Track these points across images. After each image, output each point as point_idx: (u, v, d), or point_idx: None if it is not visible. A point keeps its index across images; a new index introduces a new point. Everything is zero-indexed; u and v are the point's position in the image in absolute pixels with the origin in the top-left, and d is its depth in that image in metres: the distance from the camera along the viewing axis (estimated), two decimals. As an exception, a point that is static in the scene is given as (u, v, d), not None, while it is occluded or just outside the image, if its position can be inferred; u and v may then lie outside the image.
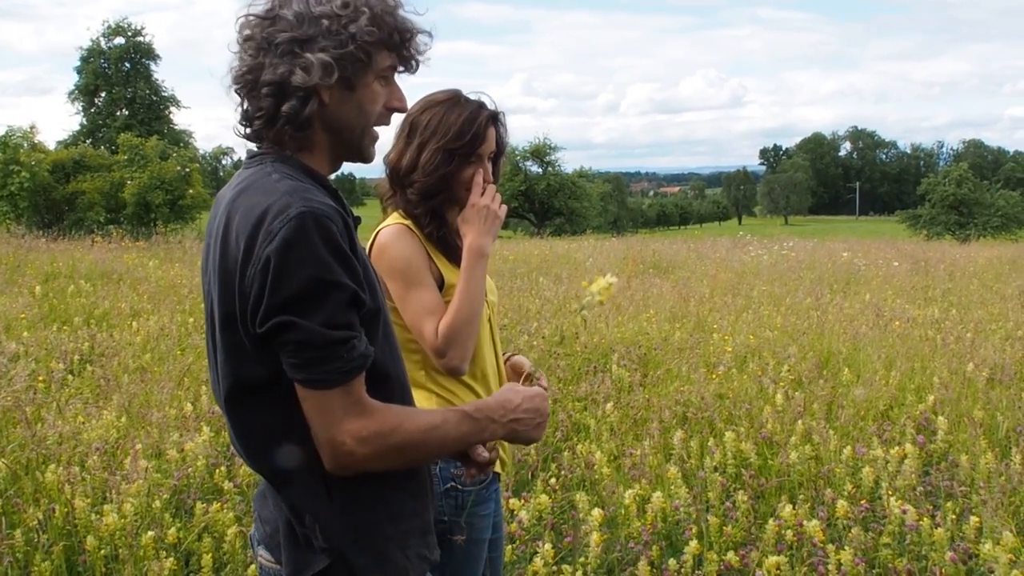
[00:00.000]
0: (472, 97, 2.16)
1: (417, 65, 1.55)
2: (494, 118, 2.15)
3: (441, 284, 2.11)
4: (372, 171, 2.08)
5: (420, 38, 1.52)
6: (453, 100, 2.13)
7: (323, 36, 1.43)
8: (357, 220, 1.61)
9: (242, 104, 1.49)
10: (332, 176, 1.59)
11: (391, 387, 1.51)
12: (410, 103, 1.67)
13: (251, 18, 1.47)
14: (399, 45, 1.50)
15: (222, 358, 1.44)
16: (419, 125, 2.11)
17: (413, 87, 1.99)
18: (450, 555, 2.06)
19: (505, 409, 1.57)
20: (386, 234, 2.11)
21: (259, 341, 1.38)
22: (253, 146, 1.55)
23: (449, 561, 2.05)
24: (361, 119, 1.52)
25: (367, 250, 2.11)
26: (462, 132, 2.09)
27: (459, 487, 2.08)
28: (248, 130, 1.51)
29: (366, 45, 1.45)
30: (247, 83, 1.46)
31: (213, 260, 1.45)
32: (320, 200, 1.39)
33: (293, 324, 1.33)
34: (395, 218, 2.15)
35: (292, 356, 1.35)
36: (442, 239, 2.15)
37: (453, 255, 2.15)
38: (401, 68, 1.54)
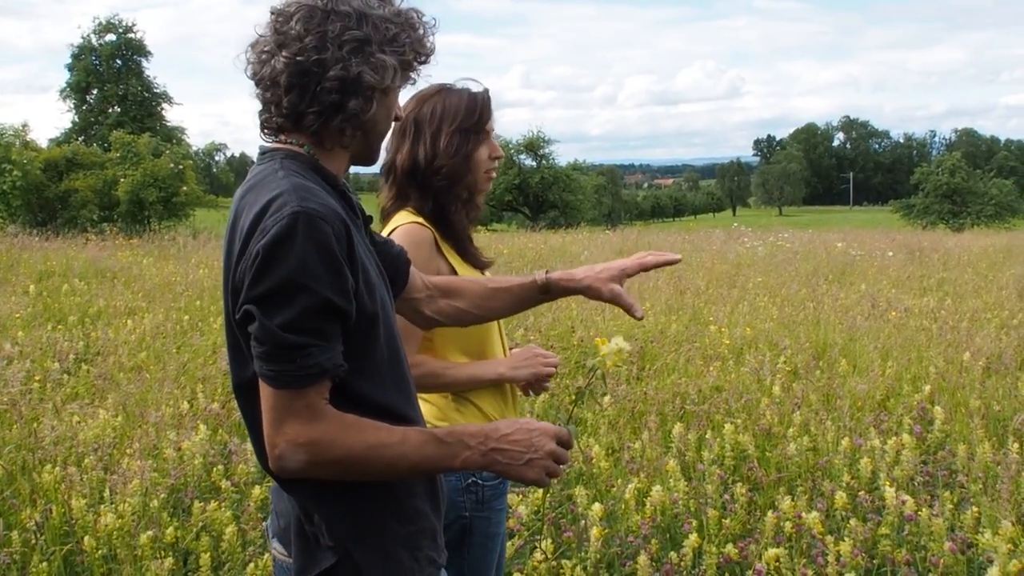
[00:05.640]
0: (459, 85, 2.20)
1: (416, 81, 1.60)
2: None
3: None
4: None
5: (431, 59, 1.58)
6: (445, 89, 2.17)
7: (386, 40, 1.47)
8: (368, 219, 1.61)
9: (287, 96, 1.46)
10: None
11: (375, 399, 1.49)
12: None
13: (303, 8, 1.44)
14: (422, 63, 1.56)
15: (230, 354, 1.48)
16: (423, 119, 2.13)
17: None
18: (468, 550, 2.09)
19: (486, 436, 1.49)
20: (400, 232, 2.09)
21: (245, 334, 1.40)
22: (256, 141, 1.56)
23: (467, 555, 2.09)
24: (387, 124, 1.58)
25: None
26: (471, 110, 2.14)
27: (480, 482, 2.09)
28: (283, 121, 1.50)
29: (413, 56, 1.51)
30: (306, 75, 1.43)
31: (223, 256, 1.48)
32: (320, 201, 1.39)
33: (252, 317, 1.35)
34: (405, 216, 2.14)
35: (253, 347, 1.38)
36: (459, 231, 2.16)
37: (465, 251, 2.17)
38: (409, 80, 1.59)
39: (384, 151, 2.01)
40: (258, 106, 1.53)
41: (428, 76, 1.61)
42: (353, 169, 1.64)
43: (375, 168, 1.92)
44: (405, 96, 2.14)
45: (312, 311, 1.34)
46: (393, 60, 1.47)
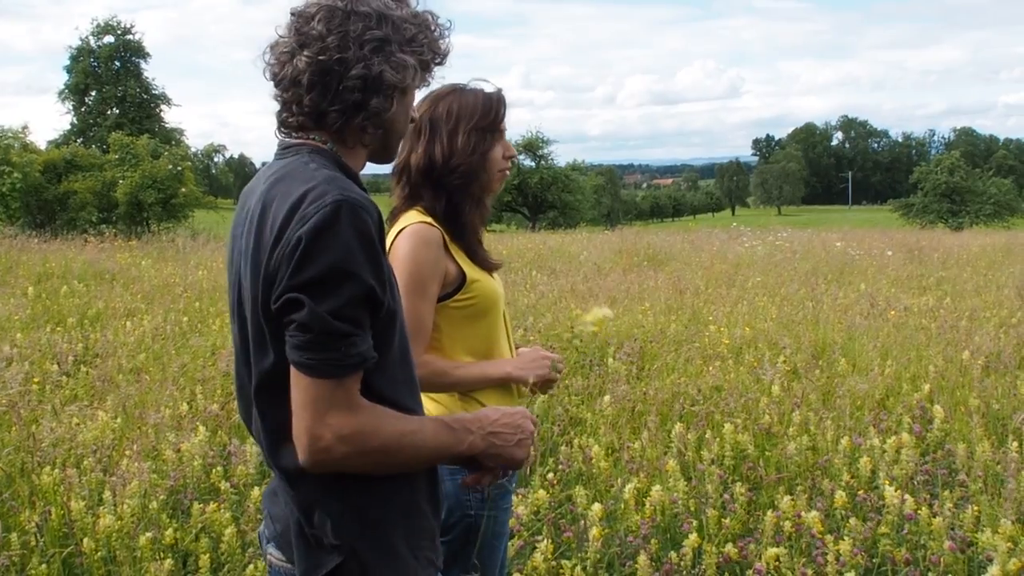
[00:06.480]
0: (471, 85, 2.21)
1: (429, 83, 1.63)
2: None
3: (462, 282, 2.12)
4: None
5: (445, 61, 1.60)
6: (459, 89, 2.18)
7: (405, 40, 1.49)
8: None
9: (308, 95, 1.47)
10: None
11: (388, 395, 1.49)
12: None
13: (323, 9, 1.46)
14: (438, 64, 1.58)
15: (253, 350, 1.46)
16: (439, 118, 2.14)
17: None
18: (474, 548, 2.10)
19: (482, 422, 1.57)
20: (409, 231, 2.09)
21: (274, 324, 1.39)
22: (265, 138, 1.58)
23: (472, 554, 2.10)
24: (405, 124, 1.60)
25: (389, 245, 2.12)
26: (487, 109, 2.16)
27: None
28: (305, 120, 1.51)
29: (431, 56, 1.54)
30: (329, 74, 1.45)
31: (244, 251, 1.46)
32: (358, 191, 1.41)
33: (300, 303, 1.34)
34: (415, 215, 2.13)
35: (292, 336, 1.36)
36: (470, 232, 2.16)
37: (474, 253, 2.18)
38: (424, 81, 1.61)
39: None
40: (275, 107, 1.54)
41: (441, 78, 1.63)
42: None
43: (375, 170, 1.92)
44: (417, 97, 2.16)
45: (358, 299, 1.36)
46: (413, 60, 1.50)
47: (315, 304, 1.33)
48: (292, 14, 1.49)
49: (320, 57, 1.44)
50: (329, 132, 1.51)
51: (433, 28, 1.54)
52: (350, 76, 1.44)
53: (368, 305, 1.38)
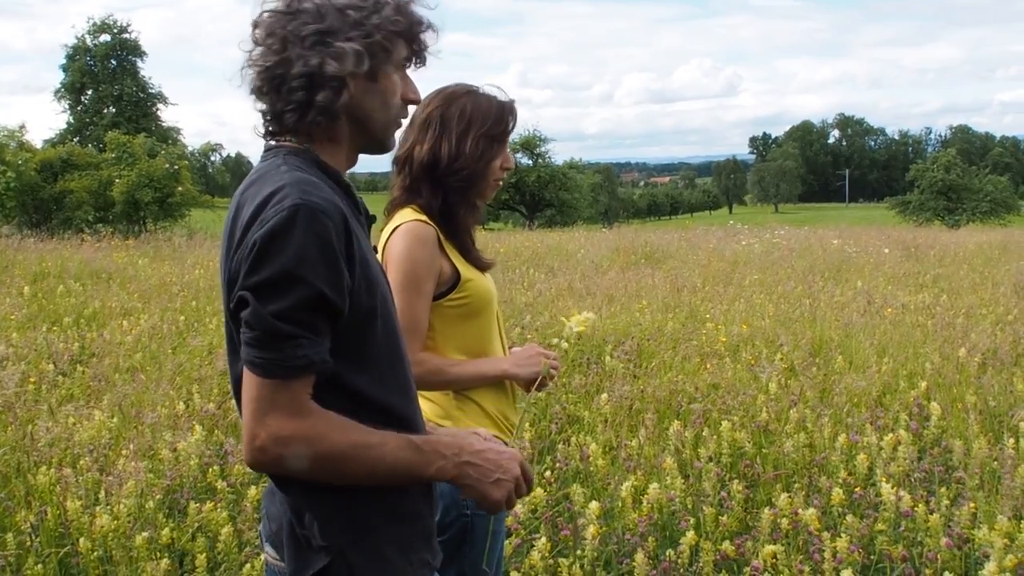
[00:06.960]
0: (483, 90, 2.20)
1: (426, 59, 1.58)
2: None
3: (456, 281, 2.12)
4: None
5: (431, 32, 1.56)
6: (474, 91, 2.18)
7: (349, 26, 1.46)
8: (372, 219, 1.61)
9: (266, 101, 1.49)
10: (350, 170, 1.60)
11: (373, 396, 1.49)
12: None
13: (270, 15, 1.47)
14: (415, 37, 1.54)
15: (228, 351, 1.48)
16: (450, 117, 2.13)
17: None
18: (470, 547, 2.09)
19: (460, 449, 1.52)
20: (404, 229, 2.09)
21: (237, 324, 1.40)
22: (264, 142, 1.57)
23: (468, 554, 2.09)
24: (384, 110, 1.55)
25: (383, 243, 2.12)
26: (500, 117, 2.16)
27: None
28: (271, 126, 1.52)
29: (390, 35, 1.49)
30: (275, 78, 1.46)
31: (222, 251, 1.48)
32: (321, 195, 1.40)
33: (247, 302, 1.35)
34: (410, 213, 2.13)
35: (243, 334, 1.37)
36: (463, 233, 2.16)
37: (468, 252, 2.18)
38: (413, 60, 1.57)
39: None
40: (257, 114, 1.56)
41: (438, 51, 1.58)
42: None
43: (372, 168, 1.92)
44: (428, 86, 2.15)
45: (306, 303, 1.35)
46: (356, 46, 1.46)
47: (260, 304, 1.34)
48: (251, 25, 1.50)
49: (266, 63, 1.46)
50: (293, 133, 1.51)
51: (385, 6, 1.49)
52: (292, 75, 1.45)
53: (323, 310, 1.37)
